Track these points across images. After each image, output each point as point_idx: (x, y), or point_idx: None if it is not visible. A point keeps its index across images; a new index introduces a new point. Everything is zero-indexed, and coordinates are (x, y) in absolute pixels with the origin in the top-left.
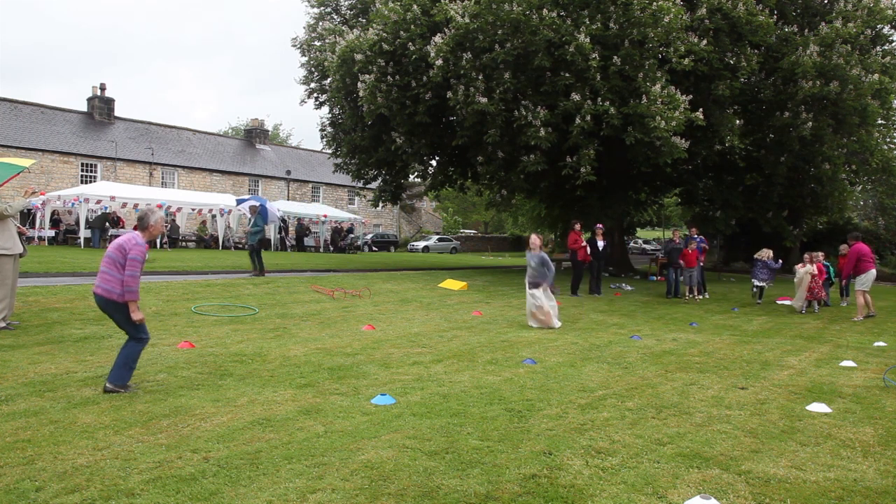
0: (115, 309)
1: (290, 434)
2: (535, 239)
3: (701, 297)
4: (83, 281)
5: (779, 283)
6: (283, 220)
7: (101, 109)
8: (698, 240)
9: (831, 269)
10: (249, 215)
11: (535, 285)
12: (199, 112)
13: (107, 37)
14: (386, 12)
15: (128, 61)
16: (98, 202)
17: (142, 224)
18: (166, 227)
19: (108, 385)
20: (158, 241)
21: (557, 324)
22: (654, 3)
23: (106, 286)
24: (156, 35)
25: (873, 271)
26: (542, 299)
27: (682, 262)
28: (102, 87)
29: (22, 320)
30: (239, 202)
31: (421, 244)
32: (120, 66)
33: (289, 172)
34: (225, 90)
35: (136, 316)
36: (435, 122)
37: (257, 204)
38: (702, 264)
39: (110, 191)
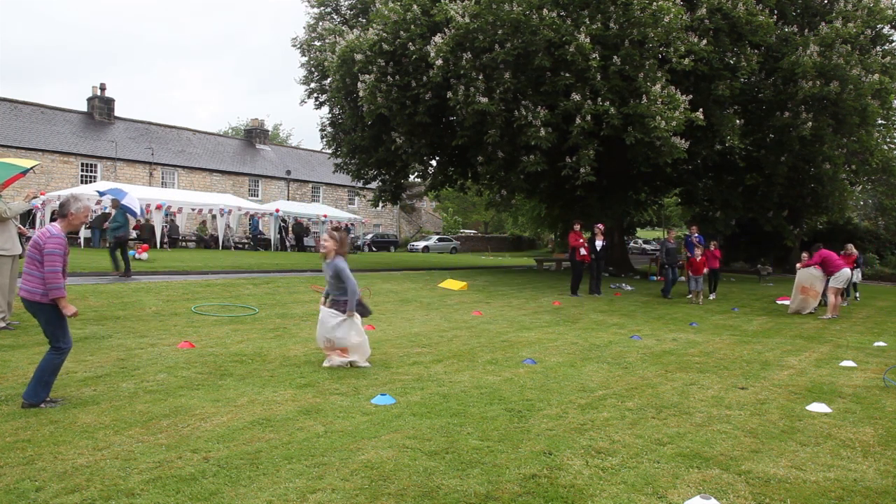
0: (39, 310)
1: (290, 434)
2: (325, 241)
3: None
4: (82, 281)
5: (780, 282)
6: (283, 220)
7: (101, 109)
8: (698, 238)
9: None
10: (112, 209)
11: (335, 303)
12: (200, 112)
13: (107, 37)
14: (386, 12)
15: (129, 61)
16: (98, 202)
17: (61, 211)
18: (88, 220)
19: (24, 401)
20: (159, 241)
21: (347, 361)
22: (654, 3)
23: (28, 287)
24: (157, 35)
25: (846, 270)
26: (338, 329)
27: (689, 270)
28: (102, 87)
29: (22, 320)
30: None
31: (421, 244)
32: (121, 66)
33: (289, 172)
34: (226, 90)
35: (68, 311)
36: (435, 122)
37: (119, 200)
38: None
39: None
